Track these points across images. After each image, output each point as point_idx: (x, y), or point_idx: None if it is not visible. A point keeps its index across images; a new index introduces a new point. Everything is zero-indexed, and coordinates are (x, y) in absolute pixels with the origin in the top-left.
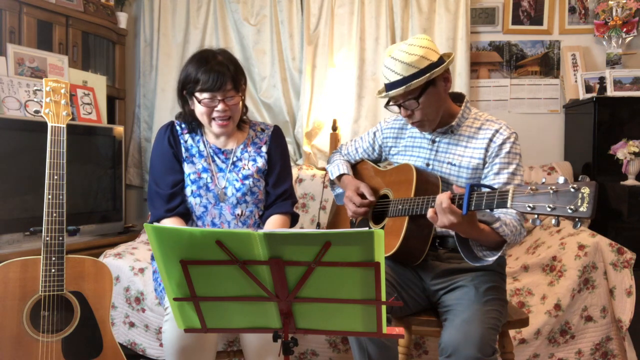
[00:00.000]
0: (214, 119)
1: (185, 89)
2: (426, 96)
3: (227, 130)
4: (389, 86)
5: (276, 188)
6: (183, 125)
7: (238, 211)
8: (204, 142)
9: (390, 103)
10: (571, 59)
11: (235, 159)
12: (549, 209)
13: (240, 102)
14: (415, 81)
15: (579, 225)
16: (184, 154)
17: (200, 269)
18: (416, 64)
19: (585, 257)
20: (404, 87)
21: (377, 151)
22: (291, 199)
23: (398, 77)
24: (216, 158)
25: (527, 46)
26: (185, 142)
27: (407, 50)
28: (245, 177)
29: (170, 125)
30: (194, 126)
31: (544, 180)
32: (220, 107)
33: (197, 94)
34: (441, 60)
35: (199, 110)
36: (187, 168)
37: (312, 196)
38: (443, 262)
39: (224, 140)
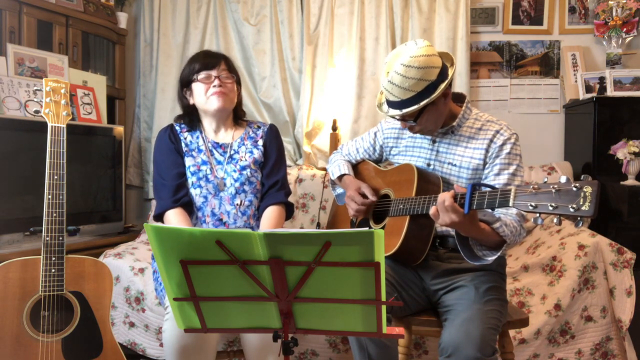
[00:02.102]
0: (211, 95)
1: (185, 82)
2: (424, 115)
3: (224, 105)
4: (388, 103)
5: (269, 178)
6: (182, 126)
7: (237, 201)
8: (202, 138)
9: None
10: (571, 59)
11: (232, 152)
12: (551, 208)
13: (235, 88)
14: (410, 109)
15: (580, 224)
16: (184, 149)
17: (200, 269)
18: (413, 87)
19: (585, 257)
20: (400, 112)
21: (377, 151)
22: (284, 190)
23: (396, 99)
24: (215, 152)
25: (527, 46)
26: (185, 139)
27: (404, 73)
28: (243, 168)
29: (170, 126)
30: (194, 122)
31: (545, 179)
32: (216, 82)
33: (194, 77)
34: (442, 74)
35: (197, 91)
36: (187, 161)
37: (312, 196)
38: (443, 262)
39: (222, 134)
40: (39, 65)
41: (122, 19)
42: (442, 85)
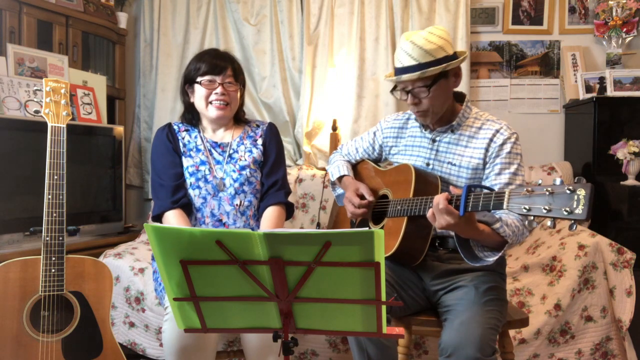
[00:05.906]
0: (211, 102)
1: (188, 79)
2: (437, 86)
3: (223, 115)
4: (402, 70)
5: (269, 178)
6: (180, 125)
7: (237, 201)
8: (201, 138)
9: (398, 88)
10: (571, 59)
11: (231, 151)
12: (544, 211)
13: (238, 94)
14: (431, 68)
15: (574, 227)
16: (182, 149)
17: (200, 269)
18: (434, 52)
19: (585, 257)
20: (419, 72)
21: (377, 151)
22: (284, 189)
23: (413, 62)
24: (213, 151)
25: (527, 46)
26: (183, 138)
27: (427, 38)
28: (242, 168)
29: (168, 125)
30: (195, 120)
31: (540, 181)
32: (219, 90)
33: (198, 79)
34: (455, 55)
35: (199, 94)
36: (186, 161)
37: (312, 196)
38: (443, 262)
39: (220, 133)
40: (39, 65)
41: (122, 19)
42: (459, 59)
